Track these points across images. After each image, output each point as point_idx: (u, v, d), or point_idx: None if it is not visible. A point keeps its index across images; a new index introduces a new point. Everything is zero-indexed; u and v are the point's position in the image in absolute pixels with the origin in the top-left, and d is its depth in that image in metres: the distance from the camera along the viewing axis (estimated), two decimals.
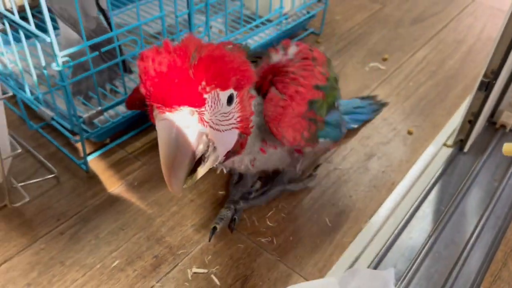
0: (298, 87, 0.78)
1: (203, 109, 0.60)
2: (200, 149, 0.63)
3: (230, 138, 0.69)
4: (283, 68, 0.81)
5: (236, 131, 0.69)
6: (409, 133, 1.20)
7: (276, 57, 0.85)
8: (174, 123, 0.58)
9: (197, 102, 0.59)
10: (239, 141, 0.71)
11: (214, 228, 0.91)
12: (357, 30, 1.63)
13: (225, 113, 0.65)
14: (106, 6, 1.06)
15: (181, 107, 0.58)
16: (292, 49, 0.86)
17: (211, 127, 0.63)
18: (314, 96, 0.80)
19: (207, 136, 0.63)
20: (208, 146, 0.64)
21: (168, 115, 0.58)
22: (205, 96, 0.59)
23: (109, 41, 0.99)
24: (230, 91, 0.63)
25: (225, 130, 0.66)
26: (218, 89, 0.61)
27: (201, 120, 0.61)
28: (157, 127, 0.60)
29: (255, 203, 0.98)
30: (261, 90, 0.79)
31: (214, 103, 0.62)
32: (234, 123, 0.68)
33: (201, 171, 0.65)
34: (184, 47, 0.58)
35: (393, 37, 1.60)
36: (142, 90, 0.59)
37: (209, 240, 0.91)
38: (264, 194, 0.98)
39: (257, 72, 0.77)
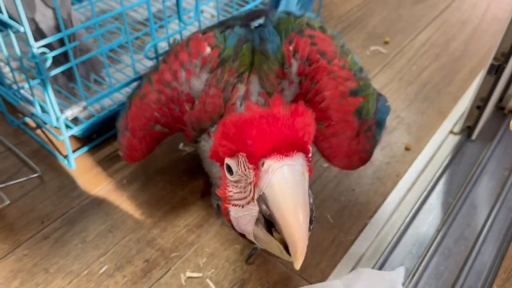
0: (330, 105, 0.75)
1: (309, 155, 0.59)
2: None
3: None
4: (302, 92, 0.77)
5: None
6: (407, 149, 1.07)
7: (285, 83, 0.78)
8: (298, 166, 0.55)
9: (307, 148, 0.57)
10: None
11: (218, 206, 0.87)
12: (356, 12, 1.55)
13: None
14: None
15: (297, 153, 0.56)
16: (294, 66, 0.78)
17: None
18: (356, 105, 0.76)
19: None
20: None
21: (287, 160, 0.55)
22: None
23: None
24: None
25: None
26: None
27: (309, 167, 0.59)
28: (274, 177, 0.54)
29: None
30: None
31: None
32: None
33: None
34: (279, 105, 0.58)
35: (394, 19, 1.53)
36: (250, 147, 0.56)
37: (217, 218, 0.89)
38: None
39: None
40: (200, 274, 0.81)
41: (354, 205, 0.94)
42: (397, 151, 1.06)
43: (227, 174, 0.60)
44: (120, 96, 1.05)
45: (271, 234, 0.57)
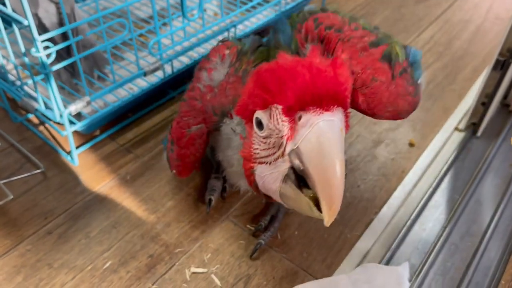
0: (351, 62, 0.72)
1: (348, 111, 0.57)
2: None
3: None
4: None
5: None
6: (411, 144, 1.07)
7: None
8: (337, 121, 0.53)
9: (347, 103, 0.55)
10: None
11: (210, 200, 0.88)
12: (359, 11, 1.55)
13: None
14: None
15: (338, 108, 0.54)
16: (308, 49, 0.77)
17: None
18: (380, 52, 0.73)
19: None
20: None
21: (327, 114, 0.53)
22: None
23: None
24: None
25: None
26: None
27: (346, 123, 0.57)
28: (312, 131, 0.52)
29: None
30: None
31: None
32: None
33: None
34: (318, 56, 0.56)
35: (397, 18, 1.52)
36: (289, 99, 0.53)
37: (207, 213, 0.89)
38: None
39: None
40: (205, 270, 0.80)
41: (360, 201, 0.93)
42: (402, 148, 1.05)
43: (256, 129, 0.58)
44: (123, 92, 1.05)
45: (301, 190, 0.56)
